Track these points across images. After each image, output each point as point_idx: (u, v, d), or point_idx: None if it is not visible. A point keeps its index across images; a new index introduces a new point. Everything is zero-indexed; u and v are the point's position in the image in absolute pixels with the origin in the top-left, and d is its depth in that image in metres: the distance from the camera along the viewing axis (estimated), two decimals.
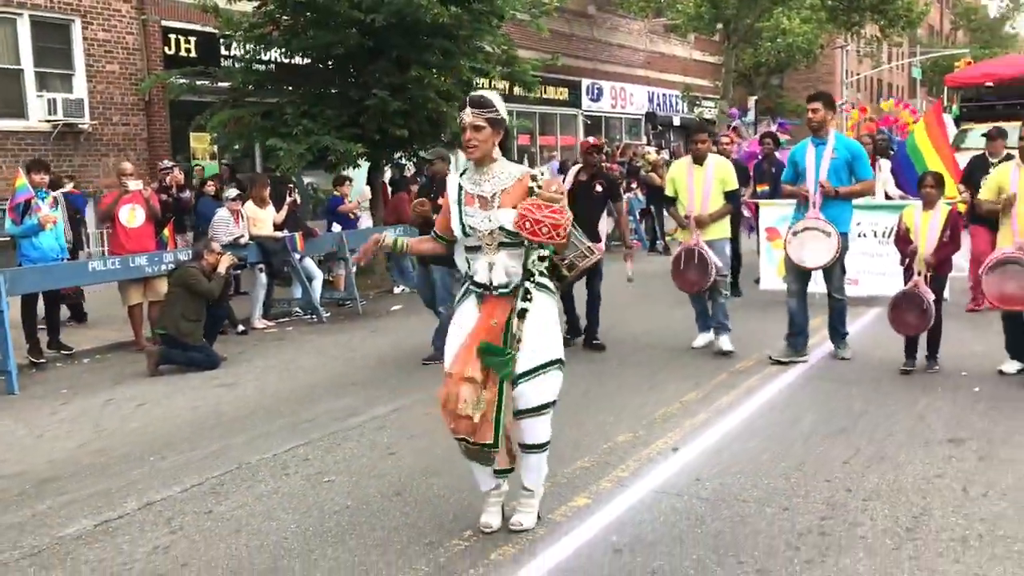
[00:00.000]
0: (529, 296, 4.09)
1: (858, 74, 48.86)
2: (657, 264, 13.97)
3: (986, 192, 6.96)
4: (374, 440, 5.92)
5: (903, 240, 7.15)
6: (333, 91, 13.74)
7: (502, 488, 4.32)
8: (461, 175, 4.28)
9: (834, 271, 7.48)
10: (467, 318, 4.19)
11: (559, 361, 4.17)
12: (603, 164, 9.78)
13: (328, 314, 11.17)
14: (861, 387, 6.70)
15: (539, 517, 4.37)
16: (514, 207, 4.03)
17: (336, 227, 12.78)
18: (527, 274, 4.11)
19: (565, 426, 5.46)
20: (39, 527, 4.68)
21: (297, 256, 11.14)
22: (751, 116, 30.04)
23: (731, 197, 8.10)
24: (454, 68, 13.32)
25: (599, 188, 8.31)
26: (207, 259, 8.71)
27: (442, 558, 4.08)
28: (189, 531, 4.54)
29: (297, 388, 7.54)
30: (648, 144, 29.33)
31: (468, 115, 4.10)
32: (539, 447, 4.22)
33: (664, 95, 33.42)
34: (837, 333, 7.72)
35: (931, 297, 6.85)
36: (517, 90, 16.20)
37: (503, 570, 3.94)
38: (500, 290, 4.11)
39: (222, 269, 8.74)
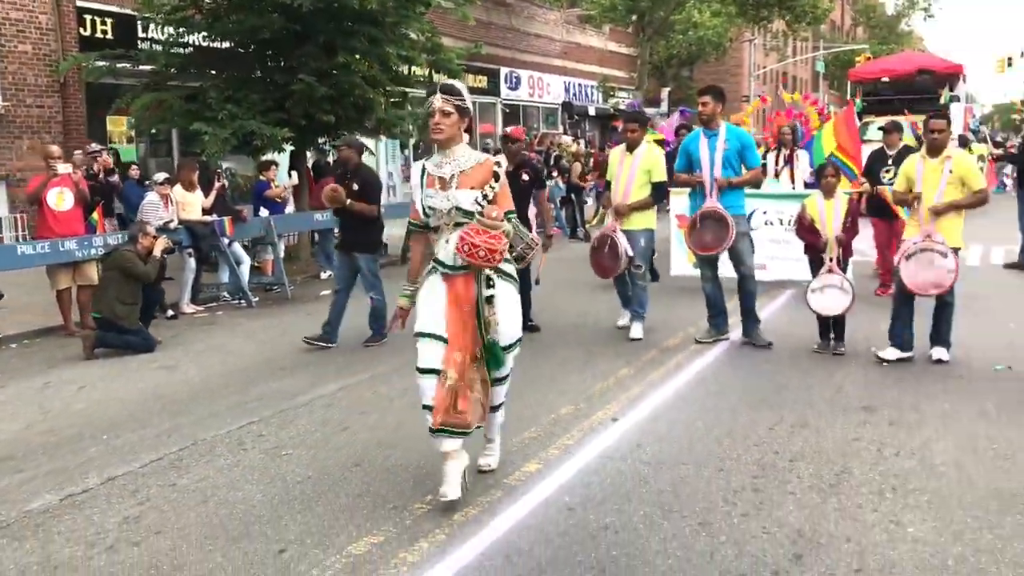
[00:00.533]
0: (492, 283, 4.42)
1: (764, 67, 50.29)
2: (579, 250, 14.35)
3: (899, 184, 7.28)
4: (325, 417, 6.12)
5: (807, 229, 7.46)
6: (257, 75, 13.74)
7: (463, 457, 4.53)
8: (427, 159, 4.55)
9: (740, 253, 7.67)
10: (436, 288, 4.50)
11: (519, 340, 4.62)
12: (527, 153, 10.03)
13: (256, 299, 11.21)
14: (781, 364, 7.17)
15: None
16: (472, 188, 4.36)
17: (263, 212, 12.79)
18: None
19: (511, 402, 5.72)
20: (2, 503, 4.76)
21: (226, 241, 11.17)
22: (664, 107, 30.84)
23: (657, 188, 8.18)
24: (381, 55, 13.43)
25: (525, 177, 8.27)
26: (142, 242, 8.72)
27: (408, 520, 4.34)
28: (157, 502, 4.69)
29: (238, 370, 7.66)
30: (565, 133, 29.84)
31: (438, 100, 4.36)
32: (500, 406, 4.78)
33: (580, 85, 33.94)
34: (750, 317, 7.88)
35: (849, 280, 7.28)
36: (437, 78, 16.41)
37: (467, 529, 4.21)
38: (459, 270, 4.43)
39: (157, 252, 8.76)
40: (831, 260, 7.34)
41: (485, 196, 4.39)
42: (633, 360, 7.36)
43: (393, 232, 15.40)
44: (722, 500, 4.47)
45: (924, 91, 21.16)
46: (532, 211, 8.56)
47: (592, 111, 34.07)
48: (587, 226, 16.71)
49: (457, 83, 4.52)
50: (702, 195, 7.67)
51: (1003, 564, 3.74)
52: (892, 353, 7.04)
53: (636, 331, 8.19)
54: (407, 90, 14.91)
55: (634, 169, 8.06)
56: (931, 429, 5.48)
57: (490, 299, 4.41)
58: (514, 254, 6.39)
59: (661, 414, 5.92)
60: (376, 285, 8.31)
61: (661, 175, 8.17)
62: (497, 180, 4.43)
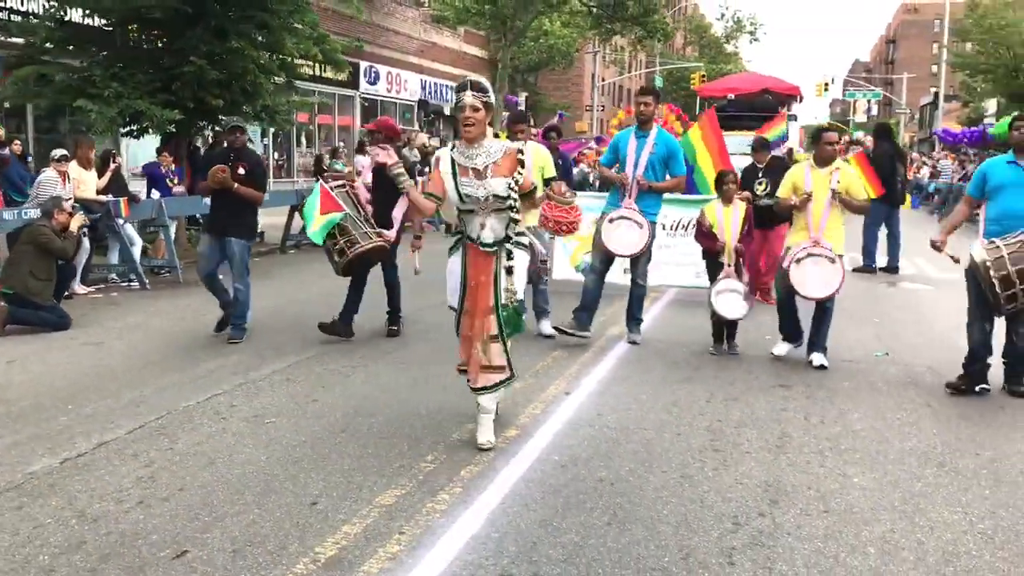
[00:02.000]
0: (512, 256, 4.98)
1: (603, 80, 52.29)
2: None
3: (782, 191, 7.44)
4: (289, 391, 6.34)
5: (706, 236, 7.64)
6: (144, 55, 13.46)
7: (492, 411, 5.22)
8: (452, 150, 5.00)
9: (641, 259, 7.83)
10: (458, 268, 5.12)
11: (522, 301, 5.19)
12: (412, 148, 10.11)
13: (147, 281, 11.05)
14: (689, 354, 7.77)
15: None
16: (504, 176, 4.87)
17: (155, 194, 12.57)
18: (506, 237, 4.98)
19: (462, 387, 6.20)
20: None
21: (120, 221, 10.98)
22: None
23: (548, 184, 7.99)
24: (276, 42, 13.45)
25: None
26: (57, 218, 8.55)
27: (419, 476, 4.72)
28: (163, 464, 4.85)
29: (170, 347, 7.71)
30: (421, 131, 30.19)
31: (469, 96, 4.79)
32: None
33: (436, 84, 34.38)
34: (633, 318, 8.05)
35: (745, 285, 7.63)
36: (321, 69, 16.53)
37: (478, 483, 4.63)
38: (489, 247, 4.97)
39: (74, 228, 8.61)
40: (729, 265, 7.56)
41: (516, 181, 4.88)
42: (560, 344, 7.88)
43: (272, 221, 15.54)
44: (691, 458, 5.08)
45: (766, 109, 22.82)
46: (397, 210, 7.98)
47: (447, 110, 34.54)
48: None
49: (483, 79, 4.95)
50: (620, 194, 7.87)
51: (937, 504, 4.52)
52: (782, 348, 7.55)
53: (546, 327, 8.18)
54: (294, 80, 14.94)
55: (528, 167, 8.27)
56: (842, 402, 6.29)
57: (510, 270, 4.94)
58: (337, 246, 7.50)
59: (606, 389, 6.49)
60: (245, 275, 7.95)
61: (551, 171, 7.99)
62: (523, 166, 4.92)
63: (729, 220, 7.59)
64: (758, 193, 9.72)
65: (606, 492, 4.55)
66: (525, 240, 5.18)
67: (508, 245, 5.00)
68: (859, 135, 25.83)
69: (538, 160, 7.81)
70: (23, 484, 4.56)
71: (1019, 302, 6.17)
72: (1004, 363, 6.64)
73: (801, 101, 25.71)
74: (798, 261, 7.11)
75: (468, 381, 5.23)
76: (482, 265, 5.01)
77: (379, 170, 7.96)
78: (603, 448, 5.21)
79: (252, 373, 6.77)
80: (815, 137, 7.62)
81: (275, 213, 15.15)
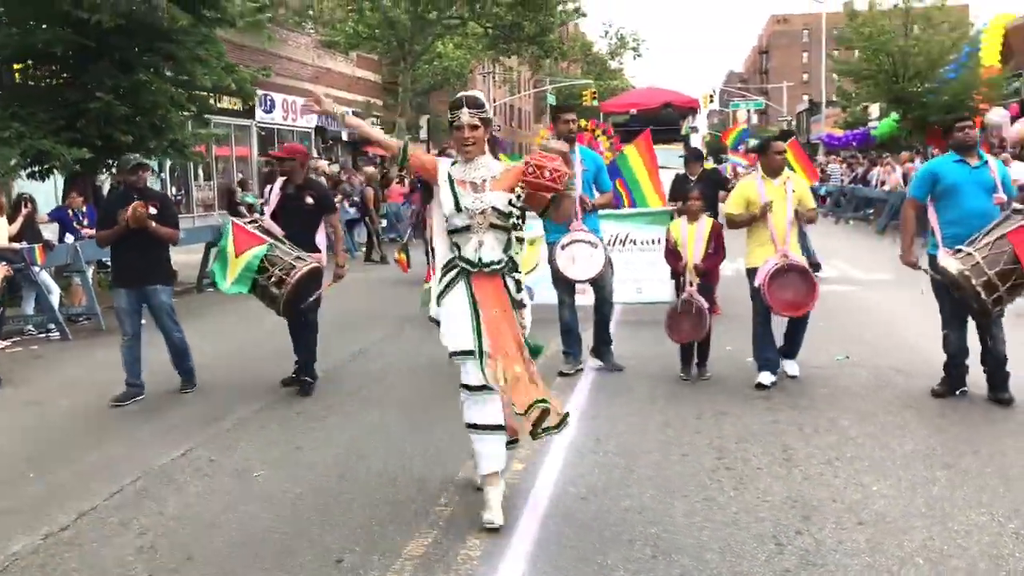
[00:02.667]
0: (521, 287, 4.60)
1: (496, 100, 52.55)
2: (378, 272, 14.65)
3: (733, 206, 7.17)
4: (266, 439, 6.01)
5: (672, 254, 7.40)
6: (43, 93, 12.78)
7: (500, 484, 4.55)
8: (451, 164, 4.64)
9: (605, 280, 7.50)
10: (460, 303, 4.54)
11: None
12: (312, 175, 8.66)
13: (68, 331, 10.41)
14: (658, 368, 7.72)
15: None
16: (504, 191, 4.49)
17: (68, 238, 11.89)
18: (511, 262, 4.58)
19: (446, 422, 6.06)
20: None
21: (36, 269, 10.34)
22: (423, 135, 31.54)
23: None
24: (188, 73, 12.97)
25: (310, 200, 7.28)
26: None
27: (440, 521, 4.50)
28: (160, 531, 4.50)
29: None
30: (319, 157, 29.66)
31: (466, 115, 4.48)
32: None
33: None
34: (603, 342, 7.68)
35: (705, 305, 7.19)
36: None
37: (505, 523, 4.41)
38: (492, 267, 4.51)
39: None
40: (691, 284, 7.21)
41: (518, 196, 4.49)
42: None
43: (182, 259, 14.92)
44: (707, 479, 5.00)
45: (668, 122, 23.32)
46: (320, 237, 7.38)
47: (345, 136, 34.10)
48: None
49: (480, 95, 4.69)
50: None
51: (960, 507, 4.55)
52: (767, 377, 6.95)
53: None
54: (205, 113, 14.44)
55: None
56: (827, 410, 6.32)
57: (521, 303, 4.58)
58: (272, 279, 6.74)
59: (594, 413, 6.37)
60: (176, 321, 7.29)
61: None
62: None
63: (692, 238, 7.29)
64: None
65: (638, 522, 4.42)
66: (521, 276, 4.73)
67: (516, 275, 4.62)
68: (754, 142, 26.49)
69: None
70: (9, 568, 4.15)
71: (1004, 304, 6.12)
72: (984, 371, 6.46)
73: (699, 113, 26.34)
74: (771, 278, 6.79)
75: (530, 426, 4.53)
76: (492, 292, 4.54)
77: (287, 198, 7.26)
78: (616, 475, 5.08)
79: (220, 422, 6.39)
80: (763, 148, 7.39)
81: (186, 251, 14.54)
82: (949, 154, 6.67)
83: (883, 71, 29.41)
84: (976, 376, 6.56)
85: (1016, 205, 6.24)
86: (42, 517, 4.71)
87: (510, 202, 4.51)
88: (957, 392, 6.55)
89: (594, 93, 44.75)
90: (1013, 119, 25.26)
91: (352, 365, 8.21)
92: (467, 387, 4.52)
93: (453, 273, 4.62)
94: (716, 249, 7.33)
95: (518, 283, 4.61)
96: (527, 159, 4.51)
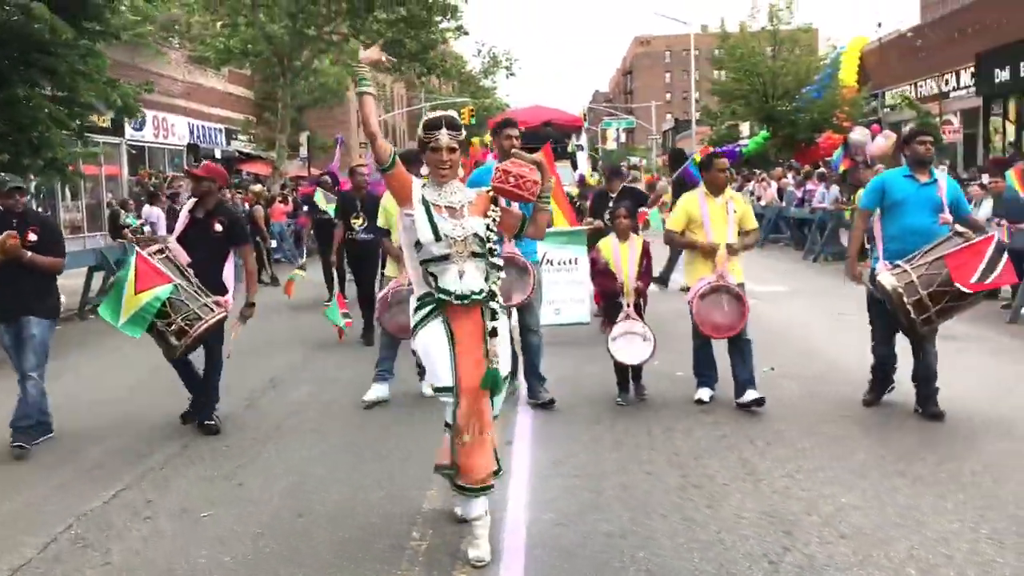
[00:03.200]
0: (496, 316, 4.26)
1: None
2: (276, 294, 14.14)
3: (675, 223, 6.98)
4: (201, 475, 5.63)
5: (604, 274, 7.10)
6: None
7: (487, 517, 4.33)
8: (422, 187, 4.34)
9: (532, 305, 7.06)
10: (438, 338, 4.27)
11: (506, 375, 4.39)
12: (225, 198, 8.15)
13: None
14: (594, 384, 7.62)
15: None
16: (480, 217, 4.26)
17: None
18: (490, 293, 4.28)
19: (394, 451, 5.83)
20: None
21: None
22: (304, 152, 30.84)
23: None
24: (71, 88, 12.23)
25: (219, 228, 6.62)
26: None
27: (419, 556, 4.29)
28: None
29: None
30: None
31: (445, 136, 4.23)
32: None
33: (204, 127, 32.81)
34: (534, 373, 7.08)
35: (648, 327, 6.92)
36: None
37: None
38: (473, 298, 4.23)
39: None
40: (628, 306, 6.99)
41: (494, 220, 4.29)
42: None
43: (62, 282, 14.03)
44: (678, 498, 4.94)
45: (553, 140, 23.49)
46: (228, 270, 6.71)
47: (218, 153, 33.03)
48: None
49: (456, 116, 4.41)
50: None
51: (930, 514, 4.63)
52: (706, 393, 6.91)
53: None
54: (86, 131, 13.66)
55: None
56: (769, 421, 6.39)
57: (494, 331, 4.26)
58: (173, 327, 6.09)
59: (544, 435, 6.23)
60: (43, 363, 6.47)
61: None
62: (496, 204, 4.34)
63: (626, 257, 7.05)
64: (606, 221, 9.54)
65: (624, 547, 4.31)
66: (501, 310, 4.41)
67: (492, 304, 4.26)
68: (634, 160, 27.16)
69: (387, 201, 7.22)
70: None
71: (934, 324, 6.13)
72: (915, 386, 6.50)
73: (581, 133, 26.67)
74: (702, 297, 6.68)
75: (458, 479, 4.30)
76: (469, 327, 4.25)
77: (195, 224, 6.62)
78: (586, 499, 4.97)
79: (147, 459, 5.95)
80: (706, 164, 7.23)
81: (64, 276, 13.67)
82: (901, 168, 6.70)
83: (755, 91, 30.58)
84: (905, 388, 6.69)
85: (958, 227, 6.20)
86: None
87: (487, 227, 4.28)
88: (888, 390, 6.68)
89: (472, 111, 44.82)
90: (874, 136, 26.63)
91: (270, 394, 7.80)
92: (447, 425, 4.31)
93: (428, 309, 4.32)
94: (647, 268, 7.19)
95: (494, 313, 4.29)
96: (496, 166, 4.36)
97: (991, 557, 4.12)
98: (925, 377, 6.44)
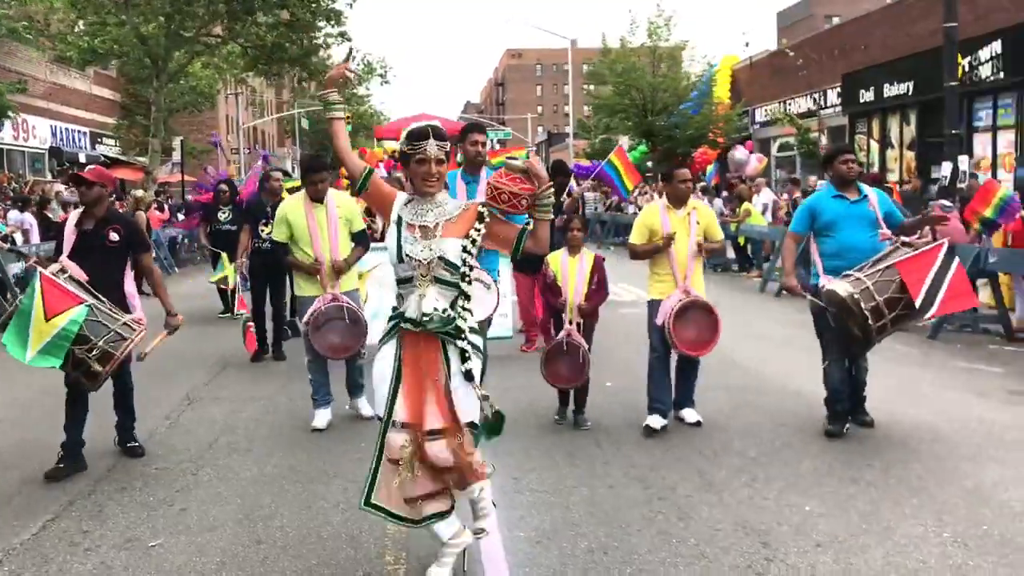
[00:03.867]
0: (468, 356, 3.96)
1: (245, 123, 50.71)
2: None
3: (637, 236, 6.74)
4: (140, 501, 5.26)
5: (550, 289, 6.79)
6: None
7: (464, 536, 4.07)
8: (406, 204, 4.05)
9: (484, 327, 6.55)
10: (384, 364, 4.01)
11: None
12: (116, 205, 7.14)
13: None
14: (529, 408, 7.44)
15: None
16: (457, 238, 3.95)
17: None
18: (457, 328, 3.95)
19: (341, 472, 5.60)
20: None
21: None
22: (177, 156, 29.67)
23: (359, 238, 7.10)
24: None
25: (115, 237, 6.03)
26: None
27: None
28: None
29: None
30: (55, 181, 27.11)
31: (433, 147, 3.93)
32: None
33: (68, 130, 31.19)
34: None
35: (585, 347, 6.64)
36: None
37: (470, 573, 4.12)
38: (424, 323, 3.89)
39: None
40: (570, 323, 6.66)
41: (473, 242, 3.97)
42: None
43: None
44: (648, 512, 4.91)
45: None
46: (130, 283, 6.15)
47: (83, 157, 31.40)
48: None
49: (440, 126, 4.11)
50: None
51: (893, 520, 4.75)
52: (657, 421, 6.51)
53: (365, 408, 7.00)
54: None
55: (334, 219, 6.86)
56: (713, 432, 6.46)
57: (469, 374, 3.95)
58: (93, 353, 5.46)
59: (494, 450, 6.02)
60: None
61: (361, 223, 7.22)
62: (482, 221, 4.01)
63: (574, 272, 6.68)
64: None
65: (609, 564, 4.26)
66: (479, 340, 4.12)
67: (460, 343, 3.92)
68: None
69: (344, 211, 6.96)
70: None
71: (888, 331, 6.07)
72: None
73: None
74: (678, 315, 6.41)
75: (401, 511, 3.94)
76: (425, 359, 3.91)
77: (85, 236, 5.97)
78: (556, 514, 4.89)
79: (70, 486, 5.51)
80: (668, 176, 6.84)
81: None
82: (827, 188, 6.64)
83: (634, 105, 31.26)
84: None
85: (903, 238, 6.22)
86: None
87: (464, 248, 3.93)
88: (845, 430, 6.34)
89: (349, 118, 44.20)
90: (750, 152, 27.65)
91: (188, 413, 7.38)
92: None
93: (390, 326, 4.06)
94: (599, 286, 6.76)
95: (464, 353, 3.94)
96: (488, 181, 4.10)
97: (962, 560, 4.25)
98: (856, 388, 6.59)
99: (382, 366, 4.01)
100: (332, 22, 25.79)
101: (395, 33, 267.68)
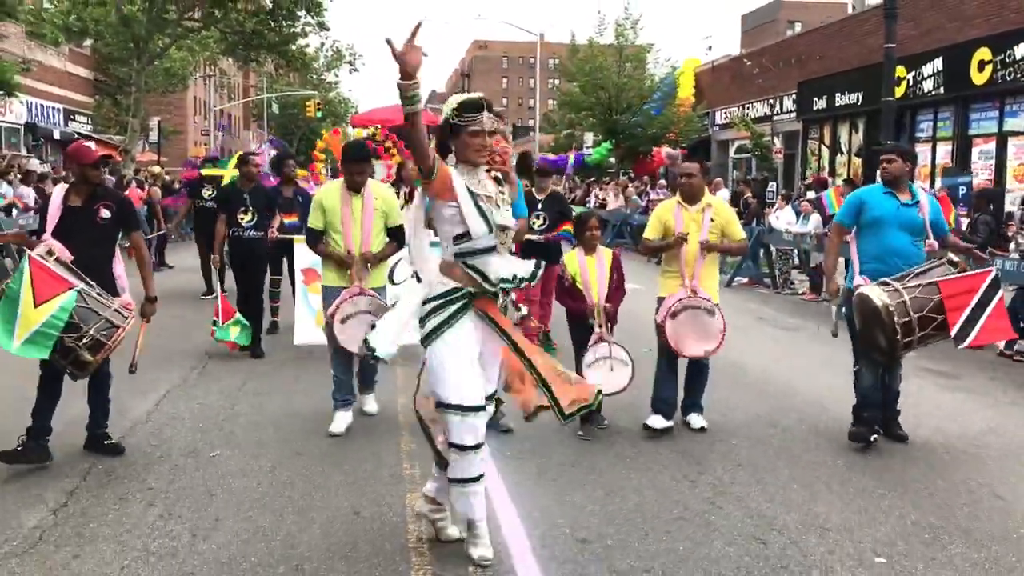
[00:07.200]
0: (519, 307, 4.33)
1: (216, 106, 51.02)
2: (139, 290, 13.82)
3: (651, 231, 6.55)
4: (123, 511, 5.00)
5: (570, 294, 6.43)
6: None
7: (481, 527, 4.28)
8: (461, 175, 4.10)
9: None
10: (467, 345, 4.10)
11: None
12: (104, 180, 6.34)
13: None
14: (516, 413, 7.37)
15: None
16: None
17: None
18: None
19: (345, 470, 5.97)
20: None
21: None
22: (153, 136, 30.21)
23: (395, 234, 6.55)
24: None
25: (105, 213, 5.77)
26: None
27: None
28: None
29: None
30: (29, 156, 27.57)
31: (487, 119, 3.96)
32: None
33: (43, 106, 31.48)
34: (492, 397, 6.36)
35: (624, 349, 6.34)
36: None
37: (501, 565, 4.29)
38: (510, 286, 4.16)
39: None
40: (600, 328, 6.34)
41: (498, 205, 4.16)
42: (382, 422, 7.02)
43: None
44: (667, 513, 5.06)
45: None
46: (119, 266, 5.92)
47: (57, 134, 31.79)
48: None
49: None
50: None
51: (878, 512, 4.91)
52: (659, 421, 6.35)
53: (370, 405, 6.95)
54: None
55: (370, 211, 6.47)
56: (709, 434, 6.42)
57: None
58: (84, 341, 5.28)
59: (512, 454, 6.05)
60: None
61: (398, 217, 6.62)
62: (500, 184, 4.23)
63: (595, 273, 6.37)
64: (534, 228, 8.69)
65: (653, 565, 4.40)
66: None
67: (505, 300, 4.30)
68: None
69: (383, 204, 6.58)
70: None
71: (913, 348, 5.87)
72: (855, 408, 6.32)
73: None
74: (674, 315, 6.25)
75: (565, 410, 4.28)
76: (497, 316, 4.18)
77: (71, 213, 5.70)
78: (594, 510, 5.01)
79: (55, 483, 5.29)
80: (672, 174, 7.19)
81: None
82: (879, 184, 6.31)
83: (600, 103, 32.35)
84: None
85: (951, 256, 5.91)
86: None
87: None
88: (872, 439, 6.10)
89: (319, 104, 44.82)
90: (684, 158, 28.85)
91: (166, 408, 7.06)
92: (460, 447, 4.09)
93: (456, 306, 4.07)
94: (619, 283, 6.49)
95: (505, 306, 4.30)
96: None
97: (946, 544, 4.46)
98: (890, 398, 6.33)
99: (462, 346, 4.08)
100: (312, 12, 26.52)
101: (363, 21, 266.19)
